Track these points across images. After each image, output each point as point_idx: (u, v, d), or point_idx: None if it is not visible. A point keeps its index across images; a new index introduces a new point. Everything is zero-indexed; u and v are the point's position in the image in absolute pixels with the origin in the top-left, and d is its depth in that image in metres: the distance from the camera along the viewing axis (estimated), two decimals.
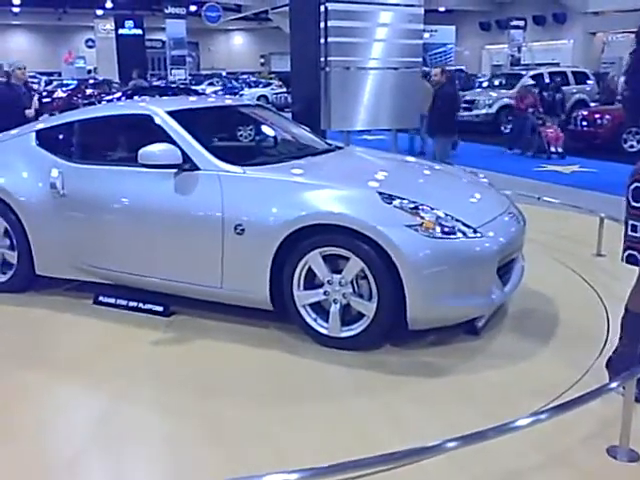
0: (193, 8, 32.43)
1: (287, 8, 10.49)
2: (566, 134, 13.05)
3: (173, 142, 3.91)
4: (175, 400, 3.14)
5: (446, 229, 3.42)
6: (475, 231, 3.48)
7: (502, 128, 16.18)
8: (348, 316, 3.56)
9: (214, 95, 20.94)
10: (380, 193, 3.53)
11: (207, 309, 4.01)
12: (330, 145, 4.84)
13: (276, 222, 3.55)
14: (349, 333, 3.55)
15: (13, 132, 4.89)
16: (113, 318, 4.07)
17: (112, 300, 4.22)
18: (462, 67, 26.81)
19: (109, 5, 35.22)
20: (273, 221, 3.56)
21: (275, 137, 5.04)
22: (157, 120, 4.09)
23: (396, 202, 3.48)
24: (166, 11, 27.41)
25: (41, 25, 44.28)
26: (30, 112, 7.26)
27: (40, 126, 4.76)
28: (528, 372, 3.40)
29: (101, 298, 4.26)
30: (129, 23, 30.06)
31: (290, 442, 2.80)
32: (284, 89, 25.81)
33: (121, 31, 29.94)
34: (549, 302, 4.31)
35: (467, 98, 16.77)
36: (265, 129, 5.11)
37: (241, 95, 24.51)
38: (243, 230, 3.63)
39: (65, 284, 4.54)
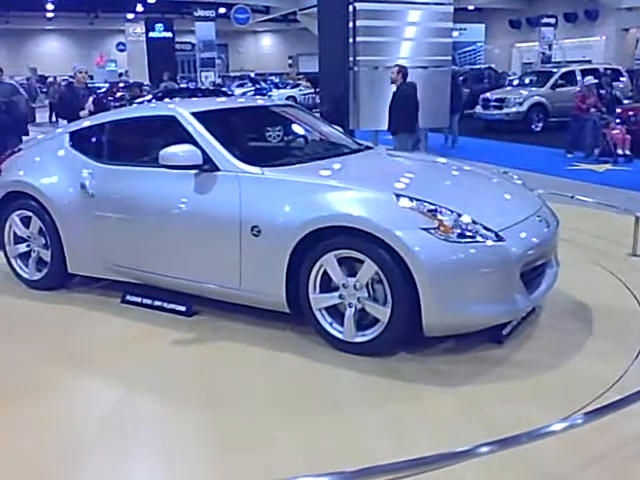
0: (222, 10, 32.64)
1: (315, 9, 10.47)
2: None
3: (195, 143, 3.93)
4: (185, 400, 3.15)
5: (465, 233, 3.28)
6: (497, 235, 3.34)
7: (533, 127, 15.96)
8: (365, 321, 3.46)
9: (244, 96, 21.00)
10: (397, 195, 3.42)
11: (228, 310, 4.01)
12: (360, 145, 4.79)
13: (291, 224, 3.50)
14: (364, 338, 3.45)
15: (54, 132, 5.04)
16: (138, 317, 4.12)
17: (138, 299, 4.28)
18: (492, 65, 26.50)
19: (140, 9, 35.71)
20: (288, 223, 3.52)
21: (302, 137, 4.99)
22: (181, 121, 4.11)
23: (412, 204, 3.36)
24: (195, 14, 27.63)
25: (73, 29, 45.07)
26: (84, 113, 7.49)
27: (73, 128, 4.86)
28: (551, 383, 3.22)
29: (128, 297, 4.33)
30: (159, 26, 30.36)
31: (293, 447, 2.75)
32: (312, 90, 25.82)
33: (151, 34, 30.25)
34: (583, 305, 4.18)
35: (497, 96, 16.59)
36: (293, 129, 5.06)
37: (270, 96, 24.59)
38: (259, 231, 3.61)
39: (97, 282, 4.62)
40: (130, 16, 37.98)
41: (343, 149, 4.65)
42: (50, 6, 36.66)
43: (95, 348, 3.78)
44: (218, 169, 3.86)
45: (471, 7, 34.15)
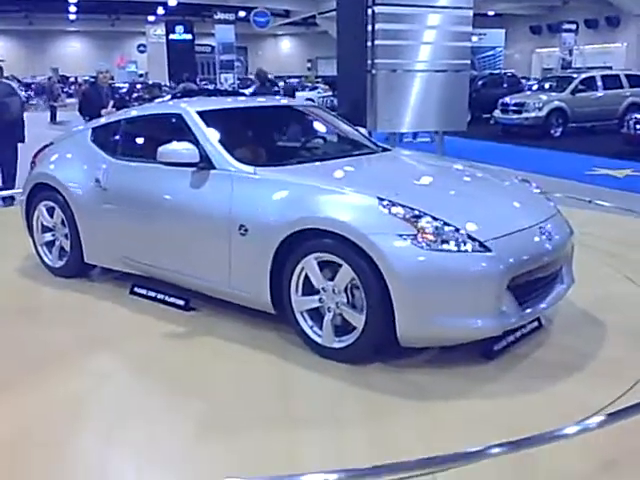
0: (242, 14, 32.81)
1: (335, 12, 10.48)
2: (619, 138, 12.71)
3: (197, 140, 3.99)
4: (162, 394, 3.22)
5: (446, 241, 3.14)
6: (482, 245, 3.17)
7: (552, 132, 15.85)
8: (347, 327, 3.36)
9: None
10: (380, 199, 3.31)
11: (226, 307, 4.04)
12: (377, 147, 4.72)
13: (274, 225, 3.48)
14: (341, 344, 3.36)
15: (76, 129, 5.28)
16: (140, 309, 4.25)
17: (144, 291, 4.41)
18: (512, 71, 26.35)
19: (160, 11, 35.94)
20: (272, 223, 3.49)
21: (314, 137, 4.92)
22: (186, 118, 4.18)
23: (394, 209, 3.24)
24: (216, 17, 27.82)
25: (95, 31, 45.54)
26: (105, 111, 7.56)
27: (95, 124, 5.06)
28: (529, 408, 2.97)
29: (136, 289, 4.47)
30: (179, 28, 30.68)
31: (252, 444, 2.73)
32: (330, 93, 25.85)
33: (171, 36, 30.56)
34: (595, 320, 3.93)
35: (516, 101, 16.49)
36: (304, 129, 5.00)
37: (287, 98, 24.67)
38: (247, 230, 3.60)
39: (113, 272, 4.76)
40: (151, 18, 38.29)
41: (354, 150, 4.61)
42: (73, 8, 37.05)
43: (97, 336, 3.91)
44: (214, 167, 3.89)
45: (491, 13, 34.03)
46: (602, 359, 3.47)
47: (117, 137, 4.71)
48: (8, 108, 7.47)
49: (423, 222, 3.19)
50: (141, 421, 2.95)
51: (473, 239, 3.19)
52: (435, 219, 3.21)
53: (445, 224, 3.21)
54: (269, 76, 8.76)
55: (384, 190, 3.43)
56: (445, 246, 3.14)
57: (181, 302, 4.20)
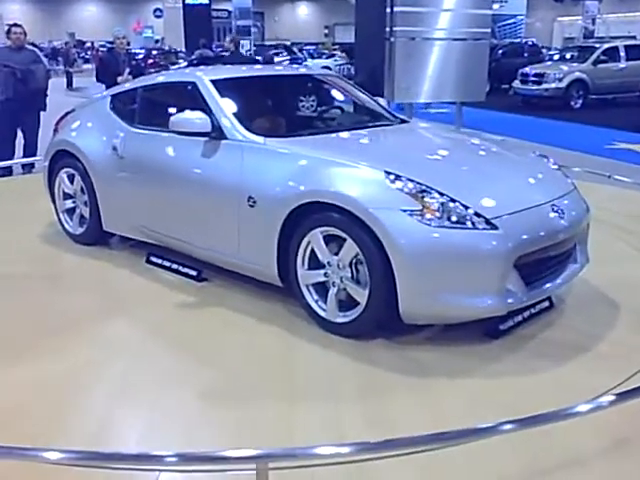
0: None
1: None
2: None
3: (210, 109, 3.96)
4: (173, 361, 3.26)
5: (452, 218, 3.07)
6: (488, 222, 3.10)
7: (572, 104, 15.59)
8: (352, 302, 3.34)
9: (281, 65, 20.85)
10: (387, 172, 3.23)
11: (236, 279, 4.06)
12: (395, 118, 4.66)
13: (281, 197, 3.44)
14: (345, 319, 3.35)
15: (97, 96, 5.24)
16: (155, 277, 4.32)
17: (159, 261, 4.46)
18: (533, 40, 25.87)
19: None
20: (279, 195, 3.46)
21: (330, 107, 4.89)
22: (200, 87, 4.15)
23: (400, 184, 3.17)
24: None
25: None
26: (122, 78, 7.51)
27: (114, 91, 5.04)
28: (528, 390, 2.92)
29: (151, 258, 4.52)
30: None
31: (251, 419, 2.74)
32: (346, 60, 25.56)
33: (188, 1, 30.14)
34: (609, 301, 3.83)
35: (536, 71, 16.21)
36: (320, 99, 4.92)
37: (305, 66, 24.42)
38: (255, 202, 3.59)
39: (130, 241, 4.81)
40: None
41: (370, 122, 4.54)
42: None
43: (114, 304, 3.98)
44: (225, 137, 3.87)
45: None
46: (612, 341, 3.40)
47: (133, 105, 4.71)
48: (34, 76, 7.29)
49: (429, 198, 3.13)
50: (152, 386, 3.00)
51: (480, 216, 3.13)
52: (442, 195, 3.15)
53: (452, 200, 3.14)
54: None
55: (393, 164, 3.37)
56: (450, 223, 3.08)
57: (194, 272, 4.23)
